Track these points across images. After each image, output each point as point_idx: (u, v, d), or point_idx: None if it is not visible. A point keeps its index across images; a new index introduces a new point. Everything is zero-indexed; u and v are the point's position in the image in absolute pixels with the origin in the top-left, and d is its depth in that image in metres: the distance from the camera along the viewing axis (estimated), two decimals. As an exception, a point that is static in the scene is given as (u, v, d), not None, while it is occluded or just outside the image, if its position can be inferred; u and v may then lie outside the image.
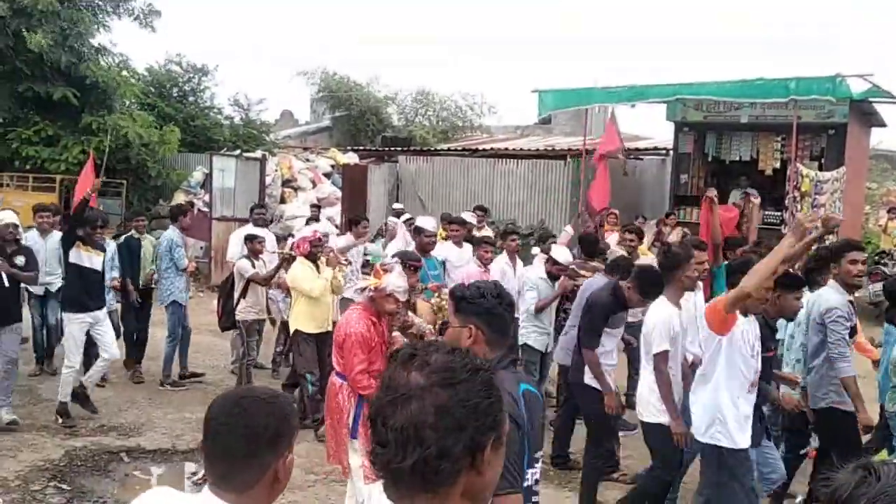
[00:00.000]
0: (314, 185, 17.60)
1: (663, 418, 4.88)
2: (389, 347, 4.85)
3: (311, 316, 6.98)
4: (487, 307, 2.65)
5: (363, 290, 4.85)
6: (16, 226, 7.07)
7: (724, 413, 4.34)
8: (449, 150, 19.65)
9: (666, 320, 4.90)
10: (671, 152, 15.17)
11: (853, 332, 5.37)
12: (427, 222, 7.83)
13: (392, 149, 19.81)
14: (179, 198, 16.26)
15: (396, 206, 12.91)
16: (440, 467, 1.30)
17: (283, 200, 16.85)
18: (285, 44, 59.28)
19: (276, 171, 17.11)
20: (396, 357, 1.41)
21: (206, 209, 15.35)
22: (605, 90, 12.53)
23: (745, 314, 4.34)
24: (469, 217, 10.13)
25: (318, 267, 7.03)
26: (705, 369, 4.49)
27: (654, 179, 16.87)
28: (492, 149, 18.68)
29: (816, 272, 5.74)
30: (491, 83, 68.90)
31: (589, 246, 8.05)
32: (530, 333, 7.07)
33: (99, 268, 7.20)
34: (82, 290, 7.06)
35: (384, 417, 1.32)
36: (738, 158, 13.79)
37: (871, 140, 16.87)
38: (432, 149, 19.89)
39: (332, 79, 22.63)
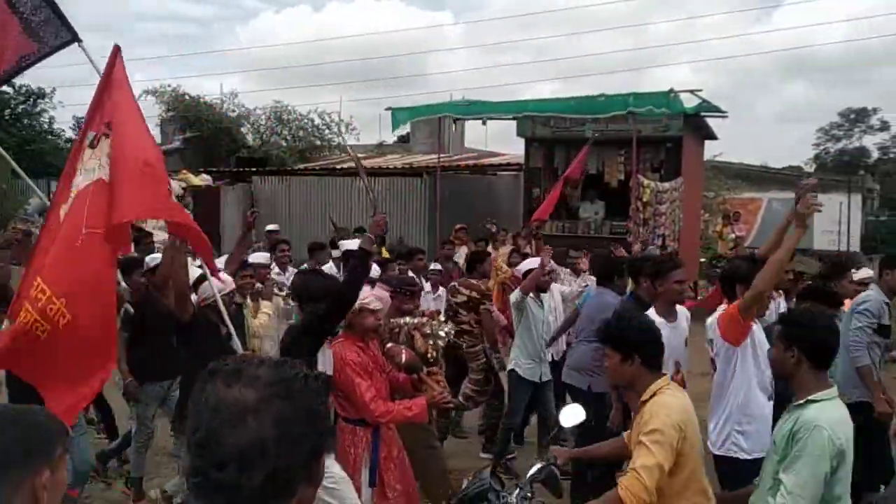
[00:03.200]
0: (165, 208, 16.90)
1: None
2: (391, 363, 4.47)
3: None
4: None
5: None
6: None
7: (742, 425, 4.20)
8: (306, 169, 19.41)
9: None
10: (523, 167, 15.62)
11: (883, 330, 5.40)
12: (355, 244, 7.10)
13: (247, 169, 19.35)
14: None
15: (271, 227, 12.22)
16: (288, 480, 1.27)
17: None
18: (133, 64, 56.95)
19: (123, 195, 16.33)
20: (212, 374, 1.32)
21: (44, 238, 14.44)
22: (456, 104, 12.78)
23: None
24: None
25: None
26: (720, 381, 4.35)
27: (508, 194, 17.31)
28: (350, 167, 18.61)
29: (832, 279, 5.96)
30: (348, 103, 69.03)
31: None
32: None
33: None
34: None
35: (218, 438, 1.25)
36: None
37: (708, 152, 18.03)
38: (289, 169, 19.58)
39: (183, 98, 21.90)
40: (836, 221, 22.67)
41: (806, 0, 78.60)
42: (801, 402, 3.00)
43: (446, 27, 77.35)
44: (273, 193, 17.14)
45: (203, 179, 18.07)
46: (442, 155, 15.13)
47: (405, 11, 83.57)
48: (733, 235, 16.93)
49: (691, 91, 12.39)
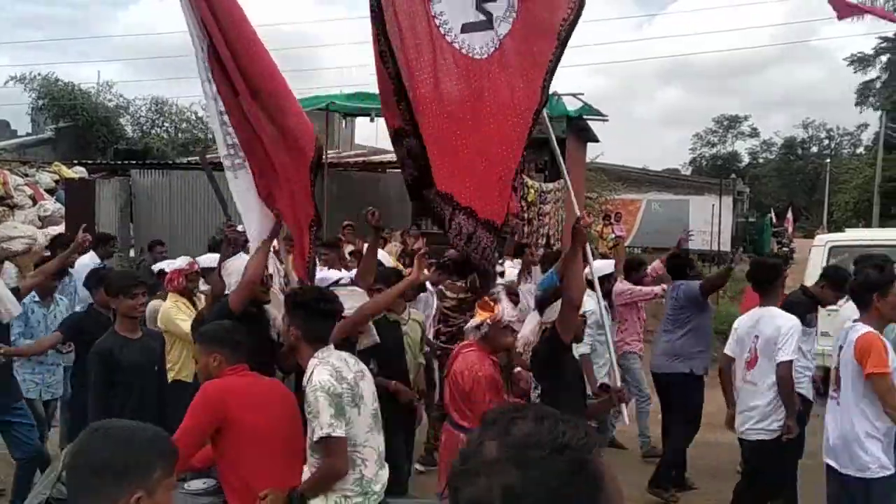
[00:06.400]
0: (35, 202, 16.03)
1: (764, 436, 4.88)
2: (514, 386, 4.38)
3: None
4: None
5: (478, 327, 4.28)
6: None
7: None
8: (189, 163, 18.81)
9: (797, 329, 4.82)
10: (412, 165, 15.65)
11: None
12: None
13: (126, 162, 18.56)
14: None
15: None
16: None
17: (-4, 220, 15.15)
18: (4, 49, 53.68)
19: (-13, 186, 15.39)
20: (490, 418, 1.22)
21: None
22: (337, 97, 12.67)
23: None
24: None
25: (194, 304, 6.02)
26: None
27: (398, 192, 17.30)
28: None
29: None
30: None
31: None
32: None
33: None
34: None
35: (456, 487, 1.15)
36: (472, 171, 14.50)
37: (590, 154, 18.63)
38: (171, 162, 18.92)
39: (55, 85, 20.78)
40: (710, 222, 23.85)
41: (685, 11, 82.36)
42: None
43: (339, 21, 76.53)
44: (153, 187, 16.50)
45: (77, 172, 17.25)
46: (331, 151, 15.00)
47: (299, 4, 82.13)
48: (613, 235, 17.55)
49: (573, 94, 12.77)
